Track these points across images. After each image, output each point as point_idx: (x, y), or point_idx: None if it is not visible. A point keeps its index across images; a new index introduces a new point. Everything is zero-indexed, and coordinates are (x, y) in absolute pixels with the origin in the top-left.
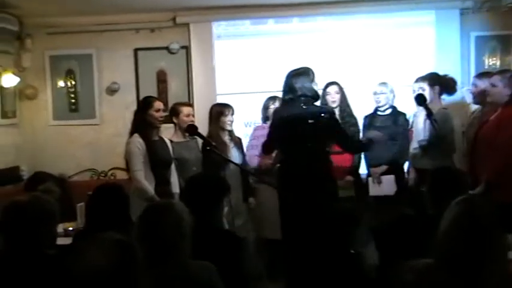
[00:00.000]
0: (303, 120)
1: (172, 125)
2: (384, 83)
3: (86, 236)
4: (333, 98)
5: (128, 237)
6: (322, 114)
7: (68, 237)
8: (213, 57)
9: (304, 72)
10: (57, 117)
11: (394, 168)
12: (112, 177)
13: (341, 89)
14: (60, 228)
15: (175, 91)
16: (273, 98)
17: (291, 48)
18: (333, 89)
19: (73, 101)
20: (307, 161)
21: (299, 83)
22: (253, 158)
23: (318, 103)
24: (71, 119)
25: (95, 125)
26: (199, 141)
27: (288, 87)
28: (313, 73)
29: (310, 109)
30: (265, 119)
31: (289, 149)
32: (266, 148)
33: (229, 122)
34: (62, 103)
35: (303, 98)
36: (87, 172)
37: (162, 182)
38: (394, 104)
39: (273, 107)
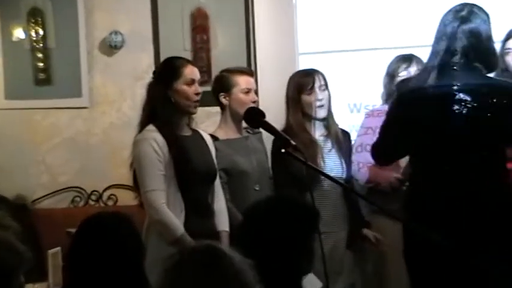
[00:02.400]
0: (468, 103)
1: (217, 109)
2: None
3: None
4: None
5: None
6: (503, 94)
7: None
8: None
9: (477, 13)
10: (13, 94)
11: None
12: (111, 203)
13: None
14: None
15: (224, 48)
16: (406, 59)
17: None
18: None
19: (41, 65)
20: (467, 177)
21: (469, 36)
22: (366, 169)
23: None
24: (38, 98)
25: (81, 108)
26: (267, 138)
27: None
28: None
29: (479, 83)
30: (388, 96)
31: (435, 156)
32: (379, 151)
33: (318, 104)
34: (21, 70)
35: (468, 63)
36: (67, 193)
37: (198, 211)
38: None
39: (404, 74)
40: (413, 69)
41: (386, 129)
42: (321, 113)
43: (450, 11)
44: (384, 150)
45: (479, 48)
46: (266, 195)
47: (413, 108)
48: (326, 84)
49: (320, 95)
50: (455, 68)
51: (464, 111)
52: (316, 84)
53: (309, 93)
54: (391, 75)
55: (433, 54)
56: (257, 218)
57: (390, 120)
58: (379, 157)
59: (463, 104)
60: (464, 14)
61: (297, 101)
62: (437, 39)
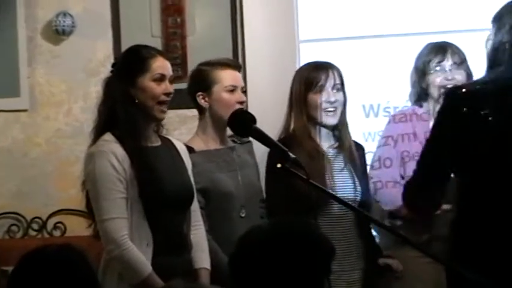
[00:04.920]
0: None
1: (195, 112)
2: None
3: None
4: None
5: None
6: None
7: None
8: None
9: None
10: None
11: None
12: (57, 233)
13: None
14: None
15: (204, 34)
16: (439, 49)
17: None
18: None
19: None
20: None
21: None
22: (389, 190)
23: None
24: None
25: (18, 111)
26: (260, 149)
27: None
28: None
29: None
30: (418, 97)
31: (499, 176)
32: (414, 193)
33: (328, 107)
34: None
35: None
36: (1, 220)
37: (170, 245)
38: None
39: (438, 70)
40: (448, 63)
41: (426, 156)
42: (330, 120)
43: None
44: (422, 188)
45: None
46: (266, 223)
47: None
48: (342, 84)
49: (332, 96)
50: None
51: None
52: (329, 82)
53: (317, 92)
54: (420, 70)
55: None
56: (252, 252)
57: (433, 142)
58: (412, 198)
59: None
60: None
61: (303, 100)
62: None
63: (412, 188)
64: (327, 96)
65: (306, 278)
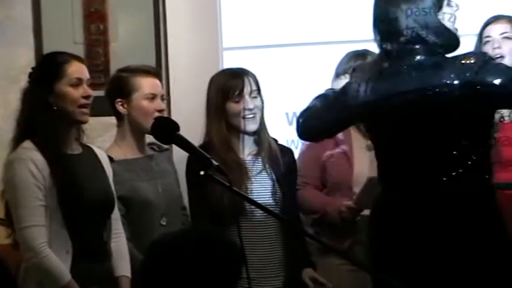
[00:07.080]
0: (431, 96)
1: (113, 119)
2: None
3: None
4: (496, 46)
5: None
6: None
7: None
8: None
9: None
10: None
11: None
12: None
13: None
14: None
15: (126, 41)
16: (359, 57)
17: None
18: (497, 30)
19: None
20: (443, 193)
21: (413, 15)
22: (309, 194)
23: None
24: None
25: None
26: (180, 157)
27: (388, 26)
28: None
29: (442, 71)
30: None
31: (399, 166)
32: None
33: (248, 114)
34: None
35: (423, 47)
36: None
37: (90, 252)
38: None
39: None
40: None
41: (335, 101)
42: (251, 126)
43: None
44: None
45: (433, 27)
46: (174, 231)
47: (373, 105)
48: (259, 89)
49: (251, 103)
50: (412, 53)
51: (432, 106)
52: (246, 89)
53: (236, 101)
54: (340, 75)
55: (384, 41)
56: (161, 259)
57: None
58: (311, 130)
59: (429, 96)
60: None
61: (221, 109)
62: (381, 26)
63: (310, 117)
64: (245, 104)
65: (212, 285)
